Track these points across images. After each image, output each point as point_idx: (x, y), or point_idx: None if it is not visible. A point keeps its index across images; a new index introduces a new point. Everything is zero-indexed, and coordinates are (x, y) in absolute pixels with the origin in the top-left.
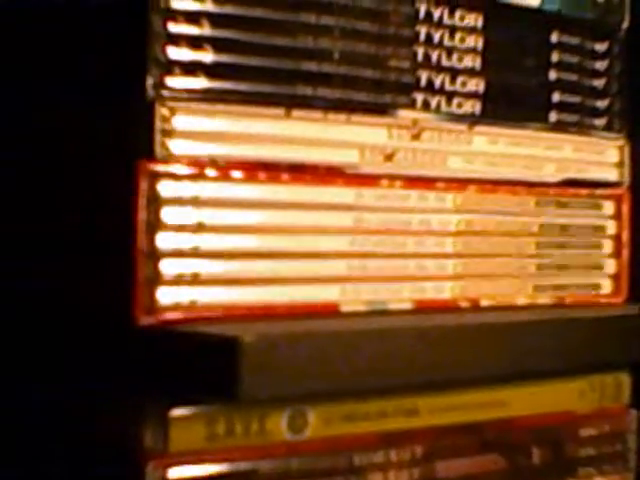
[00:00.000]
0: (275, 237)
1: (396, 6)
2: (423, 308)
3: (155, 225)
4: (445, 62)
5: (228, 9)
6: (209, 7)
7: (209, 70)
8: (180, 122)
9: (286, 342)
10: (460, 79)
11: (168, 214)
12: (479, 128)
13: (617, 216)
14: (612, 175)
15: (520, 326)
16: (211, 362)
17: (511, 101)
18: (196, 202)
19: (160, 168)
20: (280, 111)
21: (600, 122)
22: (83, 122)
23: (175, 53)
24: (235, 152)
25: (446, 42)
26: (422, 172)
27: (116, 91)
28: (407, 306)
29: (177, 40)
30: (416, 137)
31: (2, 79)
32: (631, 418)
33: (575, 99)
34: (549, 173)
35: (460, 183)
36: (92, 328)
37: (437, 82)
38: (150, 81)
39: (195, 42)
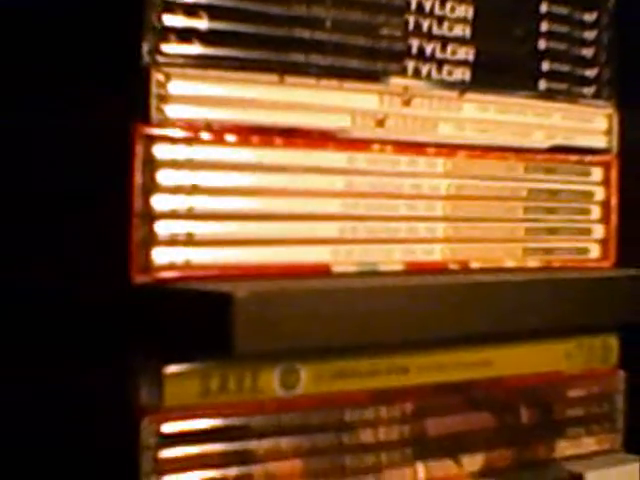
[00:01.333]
0: (268, 199)
1: None
2: (413, 270)
3: (150, 187)
4: (436, 30)
5: None
6: None
7: (204, 37)
8: (175, 87)
9: (279, 299)
10: (450, 47)
11: (163, 176)
12: (469, 95)
13: (605, 182)
14: (600, 142)
15: (509, 286)
16: (205, 318)
17: (501, 69)
18: (191, 165)
19: (155, 132)
20: (274, 77)
21: (589, 90)
22: (80, 87)
23: (170, 20)
24: (229, 116)
25: (437, 11)
26: (413, 138)
27: (112, 57)
28: (398, 267)
29: (172, 7)
30: (407, 103)
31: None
32: (619, 379)
33: (564, 68)
34: (538, 140)
35: (450, 149)
36: (89, 287)
37: (428, 50)
38: (146, 47)
39: (190, 9)
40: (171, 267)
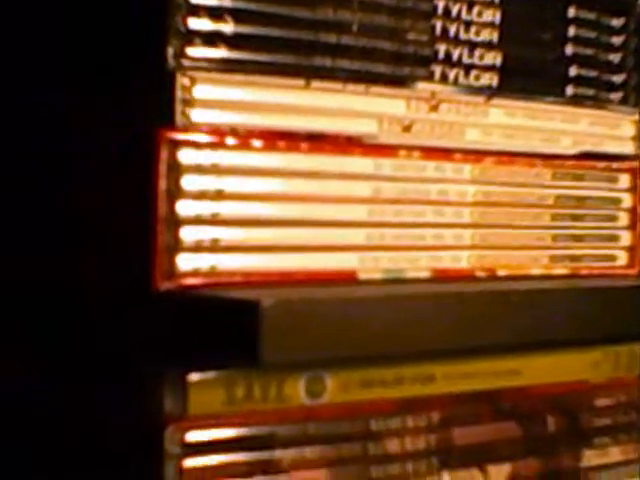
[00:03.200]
0: (294, 205)
1: None
2: (440, 277)
3: (175, 192)
4: (463, 35)
5: None
6: None
7: (229, 40)
8: (200, 91)
9: (305, 307)
10: (478, 52)
11: (188, 182)
12: (496, 101)
13: (633, 189)
14: (628, 148)
15: (536, 295)
16: (230, 326)
17: (528, 74)
18: (216, 170)
19: (180, 136)
20: (300, 82)
21: (616, 96)
22: (105, 92)
23: (195, 24)
24: (255, 121)
25: (464, 15)
26: (440, 143)
27: (137, 61)
28: (424, 275)
29: (197, 11)
30: (434, 109)
31: (24, 49)
32: None
33: (591, 73)
34: (565, 146)
35: (477, 155)
36: (113, 294)
37: (455, 55)
38: (171, 51)
39: (215, 13)
40: (196, 274)
